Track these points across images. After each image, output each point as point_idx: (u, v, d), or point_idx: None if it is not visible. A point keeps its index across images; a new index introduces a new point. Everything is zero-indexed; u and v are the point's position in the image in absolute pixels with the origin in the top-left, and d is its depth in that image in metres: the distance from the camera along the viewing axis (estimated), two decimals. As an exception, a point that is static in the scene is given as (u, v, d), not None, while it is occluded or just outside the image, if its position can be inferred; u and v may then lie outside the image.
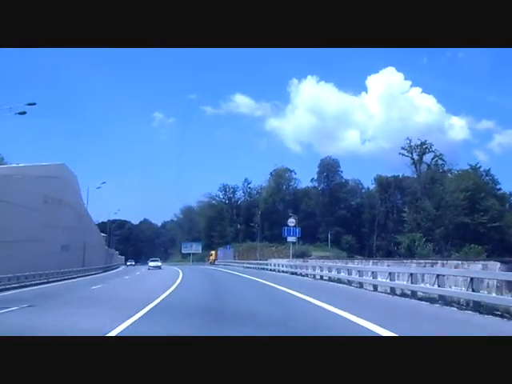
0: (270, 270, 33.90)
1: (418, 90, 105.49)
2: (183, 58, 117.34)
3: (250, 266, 44.45)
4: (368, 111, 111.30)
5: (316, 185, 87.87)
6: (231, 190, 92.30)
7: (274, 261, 39.38)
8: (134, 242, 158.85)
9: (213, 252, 74.93)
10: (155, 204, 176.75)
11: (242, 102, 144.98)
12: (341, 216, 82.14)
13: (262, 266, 38.11)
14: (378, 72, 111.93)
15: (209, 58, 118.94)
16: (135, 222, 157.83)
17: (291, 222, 39.05)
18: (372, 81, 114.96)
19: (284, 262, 34.34)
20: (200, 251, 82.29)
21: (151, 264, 48.02)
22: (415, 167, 71.80)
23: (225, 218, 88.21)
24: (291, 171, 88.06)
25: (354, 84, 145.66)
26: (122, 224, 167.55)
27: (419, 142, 71.00)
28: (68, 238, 35.78)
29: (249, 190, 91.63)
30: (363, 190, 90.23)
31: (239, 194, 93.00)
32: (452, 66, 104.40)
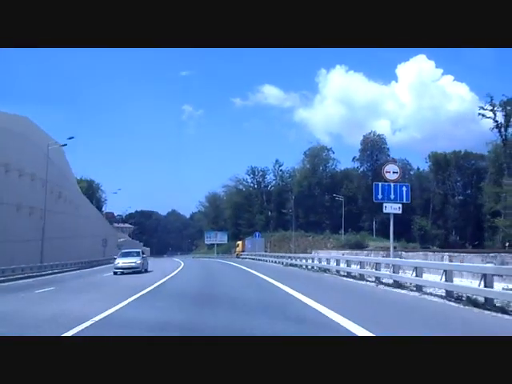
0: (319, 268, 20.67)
1: (449, 77, 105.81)
2: (212, 51, 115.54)
3: (293, 260, 28.03)
4: (398, 100, 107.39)
5: (358, 165, 76.23)
6: (260, 173, 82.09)
7: (324, 254, 28.17)
8: (161, 234, 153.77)
9: (239, 242, 65.26)
10: (184, 196, 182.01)
11: (271, 93, 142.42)
12: (388, 201, 70.25)
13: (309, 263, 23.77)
14: (408, 60, 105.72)
15: (237, 49, 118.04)
16: (163, 213, 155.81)
17: (392, 170, 16.13)
18: (402, 69, 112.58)
19: (352, 257, 19.73)
20: (226, 241, 72.98)
21: (121, 262, 22.33)
22: (499, 131, 56.38)
23: (253, 205, 78.10)
24: (328, 150, 76.92)
25: (384, 73, 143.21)
26: (149, 214, 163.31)
27: (505, 99, 54.15)
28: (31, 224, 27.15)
29: (280, 172, 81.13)
30: (412, 172, 77.80)
31: (269, 177, 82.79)
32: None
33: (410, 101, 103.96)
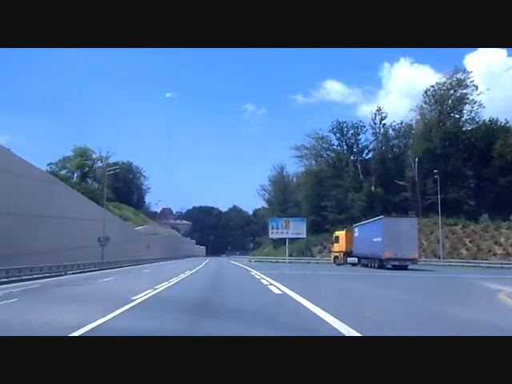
0: None
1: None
2: (271, 50, 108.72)
3: None
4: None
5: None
6: (351, 131, 54.04)
7: None
8: (220, 231, 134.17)
9: (340, 234, 36.32)
10: (245, 193, 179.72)
11: (334, 89, 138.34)
12: None
13: None
14: (476, 49, 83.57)
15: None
16: (224, 209, 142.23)
17: None
18: (471, 59, 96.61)
19: None
20: (303, 235, 45.67)
21: None
22: None
23: (343, 178, 50.39)
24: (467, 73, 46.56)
25: (452, 64, 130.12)
26: (208, 210, 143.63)
27: None
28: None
29: (383, 129, 52.56)
30: None
31: (365, 137, 54.48)
32: None
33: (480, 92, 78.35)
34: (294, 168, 66.67)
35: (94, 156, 55.52)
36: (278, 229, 46.34)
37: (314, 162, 57.24)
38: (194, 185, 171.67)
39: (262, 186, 75.92)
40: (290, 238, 45.09)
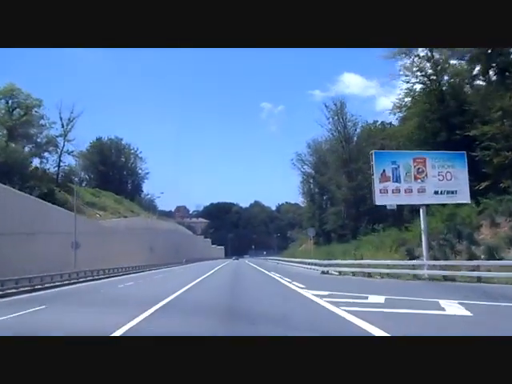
0: None
1: None
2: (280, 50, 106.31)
3: None
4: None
5: None
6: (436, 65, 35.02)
7: None
8: (242, 229, 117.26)
9: None
10: (267, 189, 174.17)
11: (352, 81, 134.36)
12: None
13: None
14: None
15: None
16: (245, 205, 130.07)
17: None
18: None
19: None
20: (466, 196, 18.60)
21: None
22: None
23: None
24: None
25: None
26: (227, 207, 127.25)
27: None
28: None
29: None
30: None
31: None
32: None
33: None
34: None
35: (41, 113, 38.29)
36: (397, 180, 18.20)
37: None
38: (211, 182, 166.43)
39: (299, 154, 58.02)
40: (427, 206, 18.85)
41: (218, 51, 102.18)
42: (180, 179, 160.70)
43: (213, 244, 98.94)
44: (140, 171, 72.83)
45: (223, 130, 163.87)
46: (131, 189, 68.76)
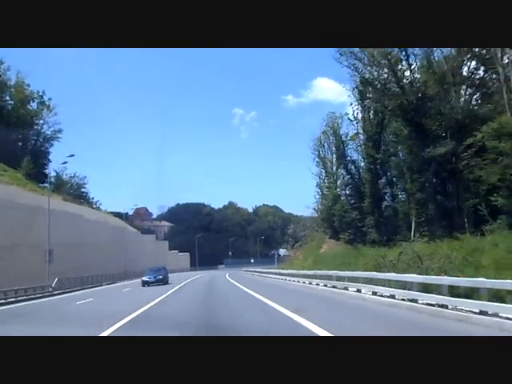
0: None
1: None
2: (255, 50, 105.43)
3: None
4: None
5: None
6: None
7: None
8: (214, 234, 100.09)
9: None
10: (242, 191, 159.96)
11: (326, 86, 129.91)
12: None
13: None
14: None
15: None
16: (217, 206, 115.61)
17: None
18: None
19: None
20: None
21: None
22: None
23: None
24: None
25: None
26: (197, 208, 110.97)
27: None
28: None
29: None
30: None
31: None
32: None
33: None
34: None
35: None
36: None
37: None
38: (180, 181, 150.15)
39: (318, 137, 48.62)
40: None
41: (185, 51, 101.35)
42: (139, 179, 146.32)
43: (176, 250, 78.07)
44: (43, 130, 47.67)
45: (194, 133, 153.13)
46: (31, 154, 43.26)
